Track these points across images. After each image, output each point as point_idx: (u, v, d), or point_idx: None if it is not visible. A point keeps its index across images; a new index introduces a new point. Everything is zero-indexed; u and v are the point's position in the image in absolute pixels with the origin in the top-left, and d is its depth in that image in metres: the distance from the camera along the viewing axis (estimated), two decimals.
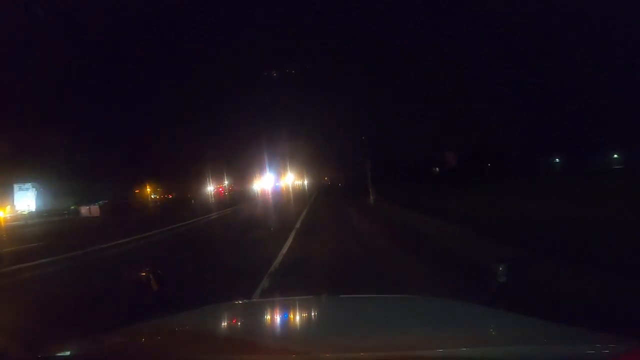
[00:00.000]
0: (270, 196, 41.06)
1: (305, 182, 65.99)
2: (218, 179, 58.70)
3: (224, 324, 2.16)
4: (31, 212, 33.34)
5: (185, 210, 25.05)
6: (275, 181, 53.99)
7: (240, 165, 57.49)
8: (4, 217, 27.20)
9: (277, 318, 2.19)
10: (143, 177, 44.55)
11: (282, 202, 31.23)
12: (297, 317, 2.19)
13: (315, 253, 7.78)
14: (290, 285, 5.43)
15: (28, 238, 14.53)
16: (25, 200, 35.66)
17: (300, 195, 41.97)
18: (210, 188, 56.40)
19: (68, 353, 1.59)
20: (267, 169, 48.37)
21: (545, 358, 1.29)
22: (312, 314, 2.21)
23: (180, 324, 2.01)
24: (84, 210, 31.29)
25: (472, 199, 17.01)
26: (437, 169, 48.33)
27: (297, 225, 13.12)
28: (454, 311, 2.05)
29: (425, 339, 1.51)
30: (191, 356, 1.47)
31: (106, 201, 32.32)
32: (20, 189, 35.80)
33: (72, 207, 33.32)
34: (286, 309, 2.40)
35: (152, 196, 48.99)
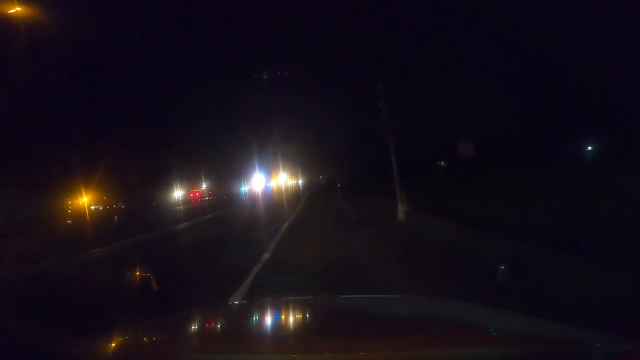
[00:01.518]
0: (256, 201, 36.16)
1: (300, 182, 61.72)
2: (196, 181, 51.29)
3: (224, 324, 2.14)
4: None
5: (110, 228, 19.41)
6: (266, 182, 48.58)
7: (227, 166, 50.67)
8: None
9: (277, 318, 2.15)
10: (79, 184, 33.60)
11: (259, 212, 24.10)
12: (297, 317, 2.16)
13: None
14: None
15: None
16: None
17: (291, 198, 35.92)
18: (179, 194, 47.86)
19: (68, 353, 1.53)
20: (257, 168, 42.67)
21: (545, 358, 1.26)
22: (312, 314, 2.15)
23: (180, 324, 2.02)
24: None
25: (553, 199, 8.60)
26: (441, 162, 40.95)
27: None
28: (454, 311, 2.00)
29: (425, 339, 1.49)
30: (191, 356, 1.45)
31: None
32: None
33: None
34: (286, 308, 2.36)
35: (92, 207, 38.35)
